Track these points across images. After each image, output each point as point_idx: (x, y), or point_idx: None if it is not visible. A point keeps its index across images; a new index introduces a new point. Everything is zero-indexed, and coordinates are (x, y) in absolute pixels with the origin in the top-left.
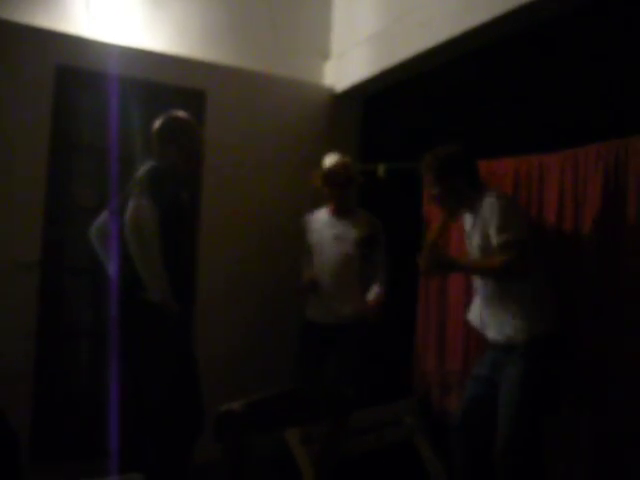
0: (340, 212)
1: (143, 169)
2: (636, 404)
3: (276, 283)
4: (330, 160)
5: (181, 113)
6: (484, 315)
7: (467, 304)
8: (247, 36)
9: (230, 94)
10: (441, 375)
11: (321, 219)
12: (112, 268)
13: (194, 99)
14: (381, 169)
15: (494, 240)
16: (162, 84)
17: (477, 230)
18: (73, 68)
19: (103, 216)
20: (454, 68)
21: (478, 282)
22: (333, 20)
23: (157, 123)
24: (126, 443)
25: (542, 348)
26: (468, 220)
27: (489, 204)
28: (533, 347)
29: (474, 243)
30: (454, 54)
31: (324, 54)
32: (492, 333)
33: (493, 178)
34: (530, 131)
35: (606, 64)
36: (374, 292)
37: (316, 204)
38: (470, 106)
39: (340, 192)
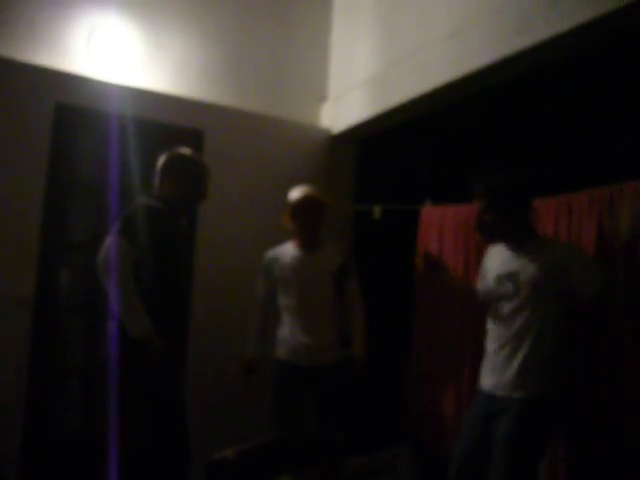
0: (309, 245)
1: (129, 207)
2: None
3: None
4: (297, 192)
5: (183, 149)
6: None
7: (461, 347)
8: (245, 77)
9: (228, 134)
10: (434, 419)
11: (288, 254)
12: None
13: (192, 139)
14: (377, 210)
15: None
16: (161, 123)
17: (535, 263)
18: (72, 106)
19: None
20: (450, 112)
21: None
22: (330, 63)
23: (159, 159)
24: None
25: (540, 410)
26: (500, 254)
27: (563, 245)
28: (531, 408)
29: (526, 275)
30: (450, 98)
31: (321, 96)
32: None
33: None
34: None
35: (597, 110)
36: (358, 343)
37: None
38: (465, 150)
39: (310, 223)
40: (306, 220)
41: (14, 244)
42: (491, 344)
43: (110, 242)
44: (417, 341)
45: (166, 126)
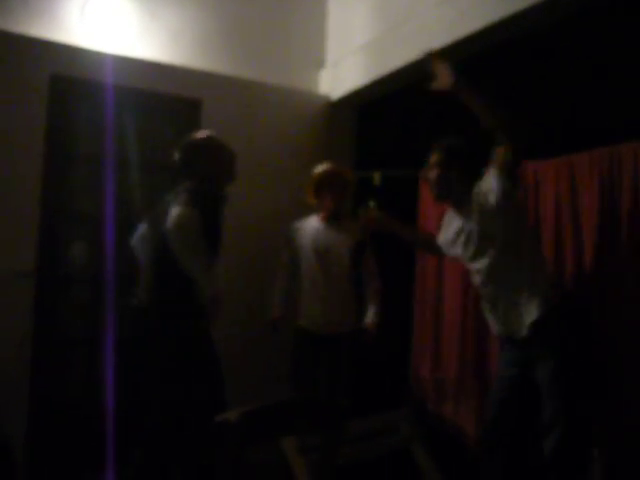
0: (332, 219)
1: (181, 187)
2: None
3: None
4: (320, 167)
5: (200, 134)
6: (499, 315)
7: (463, 309)
8: (242, 45)
9: (226, 103)
10: (436, 382)
11: (311, 227)
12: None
13: (190, 108)
14: (377, 177)
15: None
16: (158, 93)
17: (472, 219)
18: (68, 77)
19: (143, 226)
20: None
21: (478, 284)
22: (328, 28)
23: (177, 151)
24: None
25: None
26: (454, 222)
27: (485, 179)
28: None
29: (474, 233)
30: (449, 61)
31: (319, 62)
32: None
33: None
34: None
35: (597, 70)
36: (371, 314)
37: (307, 210)
38: (464, 113)
39: (333, 197)
40: (328, 194)
41: (14, 218)
42: (485, 303)
43: (182, 210)
44: (419, 305)
45: (163, 96)
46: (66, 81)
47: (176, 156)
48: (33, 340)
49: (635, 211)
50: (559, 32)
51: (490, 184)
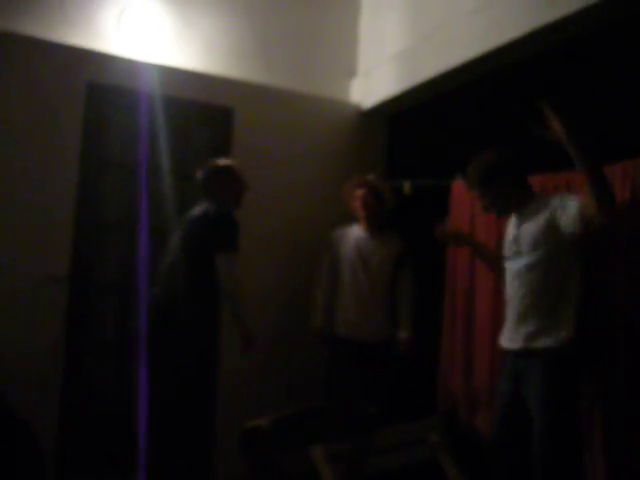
0: (372, 230)
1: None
2: None
3: (305, 301)
4: (355, 178)
5: (221, 161)
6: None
7: (494, 319)
8: (275, 54)
9: (258, 111)
10: (468, 392)
11: (353, 235)
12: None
13: (222, 116)
14: (407, 186)
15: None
16: (191, 101)
17: (534, 222)
18: (103, 85)
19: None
20: (481, 86)
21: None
22: (360, 37)
23: (205, 173)
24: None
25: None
26: (512, 222)
27: (559, 197)
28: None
29: (527, 236)
30: (480, 72)
31: (351, 71)
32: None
33: None
34: (558, 148)
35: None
36: (405, 327)
37: (345, 221)
38: (497, 124)
39: (371, 211)
40: (362, 204)
41: (49, 224)
42: (509, 307)
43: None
44: (450, 315)
45: (196, 104)
46: (102, 89)
47: (199, 176)
48: (66, 344)
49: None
50: (593, 41)
51: (570, 208)
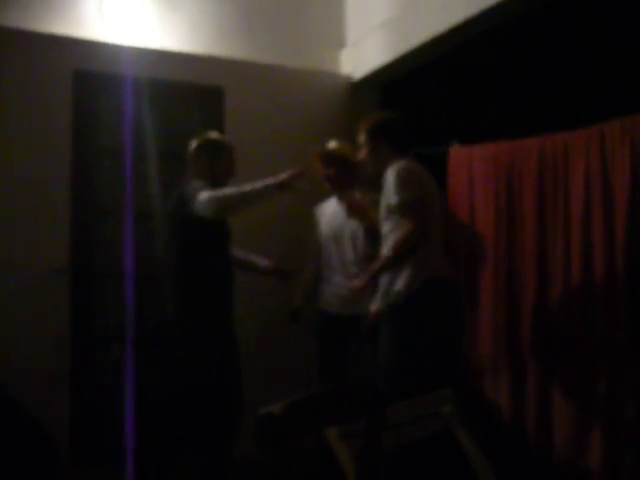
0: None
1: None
2: None
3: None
4: (332, 145)
5: (212, 134)
6: None
7: (497, 289)
8: (262, 30)
9: (248, 89)
10: (473, 359)
11: (330, 208)
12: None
13: (212, 96)
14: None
15: (392, 201)
16: (179, 83)
17: (383, 193)
18: (90, 72)
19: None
20: (471, 50)
21: None
22: (347, 7)
23: (195, 147)
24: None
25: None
26: None
27: (391, 169)
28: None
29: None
30: (470, 35)
31: (340, 42)
32: None
33: (517, 159)
34: (553, 109)
35: (624, 39)
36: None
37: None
38: (489, 87)
39: (334, 182)
40: (330, 172)
41: (45, 215)
42: None
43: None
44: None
45: (185, 85)
46: (89, 76)
47: (193, 148)
48: (70, 336)
49: None
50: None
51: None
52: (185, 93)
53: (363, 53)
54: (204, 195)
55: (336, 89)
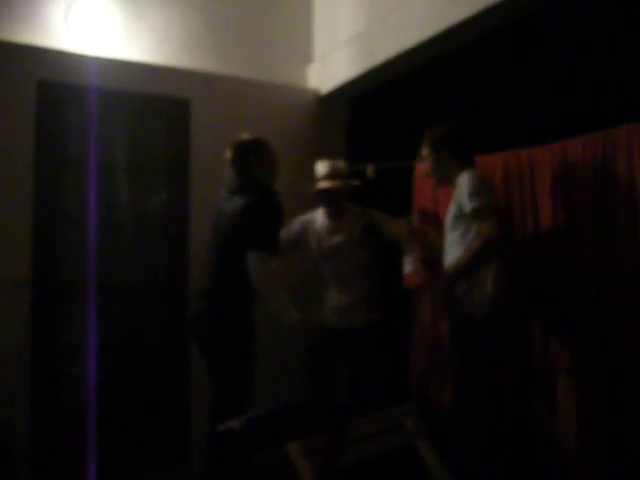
0: (335, 215)
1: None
2: None
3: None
4: (322, 170)
5: (246, 135)
6: None
7: None
8: (229, 43)
9: (214, 101)
10: (437, 373)
11: (318, 222)
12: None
13: (178, 108)
14: (370, 169)
15: (467, 207)
16: (145, 94)
17: (453, 201)
18: (55, 82)
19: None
20: (439, 66)
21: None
22: (314, 22)
23: (235, 151)
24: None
25: None
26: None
27: (462, 177)
28: None
29: (449, 215)
30: (438, 51)
31: (307, 57)
32: None
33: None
34: (518, 126)
35: (589, 56)
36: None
37: (308, 208)
38: (456, 103)
39: (335, 201)
40: (331, 199)
41: (7, 226)
42: None
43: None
44: (418, 301)
45: (151, 97)
46: (54, 86)
47: (228, 155)
48: (32, 348)
49: (630, 194)
50: (551, 16)
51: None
52: (151, 105)
53: (330, 67)
54: (258, 259)
55: (303, 103)
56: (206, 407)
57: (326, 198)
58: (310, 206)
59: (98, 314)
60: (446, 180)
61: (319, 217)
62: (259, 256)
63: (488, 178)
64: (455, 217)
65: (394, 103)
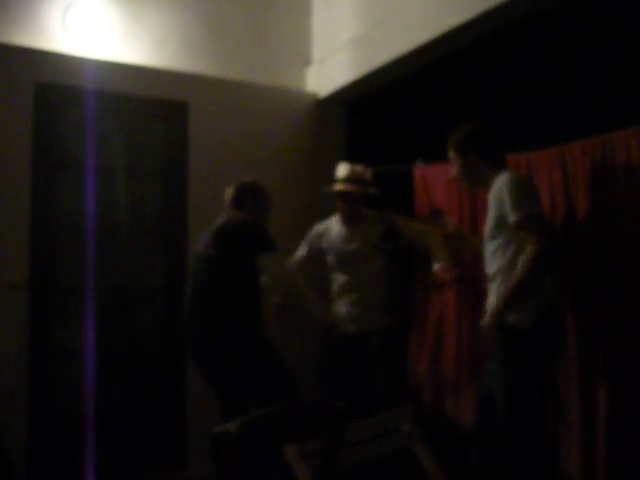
0: (351, 220)
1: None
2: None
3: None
4: (341, 172)
5: (250, 178)
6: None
7: (463, 304)
8: (227, 45)
9: (213, 104)
10: (435, 377)
11: (334, 229)
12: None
13: (177, 111)
14: (368, 173)
15: (511, 217)
16: (143, 97)
17: (490, 208)
18: (52, 85)
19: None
20: (437, 69)
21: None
22: (313, 26)
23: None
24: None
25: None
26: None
27: (501, 180)
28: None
29: (487, 223)
30: (436, 55)
31: (306, 60)
32: None
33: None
34: (516, 129)
35: (586, 60)
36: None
37: (306, 212)
38: (453, 106)
39: (350, 205)
40: (349, 203)
41: (4, 228)
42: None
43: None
44: (418, 306)
45: (149, 100)
46: (51, 88)
47: (229, 193)
48: (30, 350)
49: (629, 198)
50: (549, 21)
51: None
52: (149, 107)
53: (329, 71)
54: (273, 258)
55: (302, 106)
56: (204, 410)
57: (341, 200)
58: (306, 210)
59: (96, 316)
60: (479, 184)
61: (334, 224)
62: (272, 255)
63: (530, 181)
64: (495, 226)
65: (392, 106)
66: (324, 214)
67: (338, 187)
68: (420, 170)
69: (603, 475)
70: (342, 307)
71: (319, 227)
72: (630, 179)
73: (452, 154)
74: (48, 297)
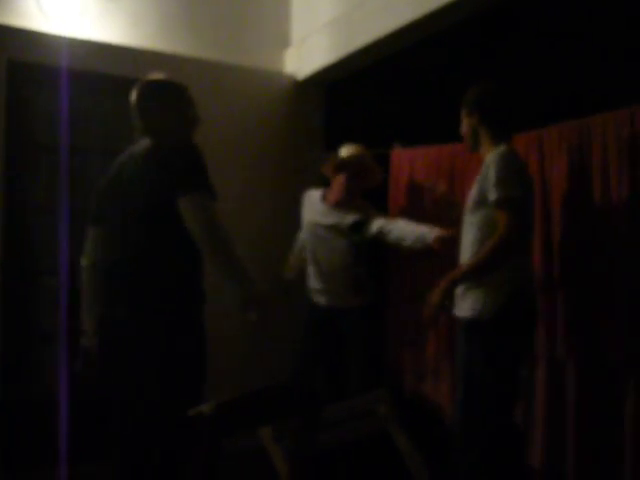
0: (338, 203)
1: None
2: None
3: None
4: (347, 150)
5: (157, 74)
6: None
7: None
8: (205, 26)
9: (189, 85)
10: (416, 360)
11: (315, 202)
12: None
13: None
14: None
15: (490, 195)
16: (118, 77)
17: (477, 181)
18: (25, 63)
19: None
20: (417, 52)
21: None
22: (292, 6)
23: (138, 92)
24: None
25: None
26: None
27: (492, 156)
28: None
29: (470, 195)
30: (416, 37)
31: (284, 41)
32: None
33: (458, 161)
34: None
35: (566, 44)
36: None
37: (283, 192)
38: (434, 90)
39: (350, 182)
40: (348, 176)
41: None
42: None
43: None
44: (394, 287)
45: (124, 79)
46: (24, 67)
47: (138, 95)
48: (2, 335)
49: (604, 183)
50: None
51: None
52: (124, 87)
53: (308, 52)
54: (199, 205)
55: (280, 88)
56: None
57: (346, 171)
58: (284, 190)
59: (70, 300)
60: (477, 148)
61: (316, 199)
62: (198, 200)
63: (520, 161)
64: (476, 201)
65: (372, 89)
66: (301, 195)
67: (347, 152)
68: (397, 153)
69: (572, 467)
70: (312, 279)
71: (308, 194)
72: (606, 164)
73: (463, 111)
74: (21, 281)
